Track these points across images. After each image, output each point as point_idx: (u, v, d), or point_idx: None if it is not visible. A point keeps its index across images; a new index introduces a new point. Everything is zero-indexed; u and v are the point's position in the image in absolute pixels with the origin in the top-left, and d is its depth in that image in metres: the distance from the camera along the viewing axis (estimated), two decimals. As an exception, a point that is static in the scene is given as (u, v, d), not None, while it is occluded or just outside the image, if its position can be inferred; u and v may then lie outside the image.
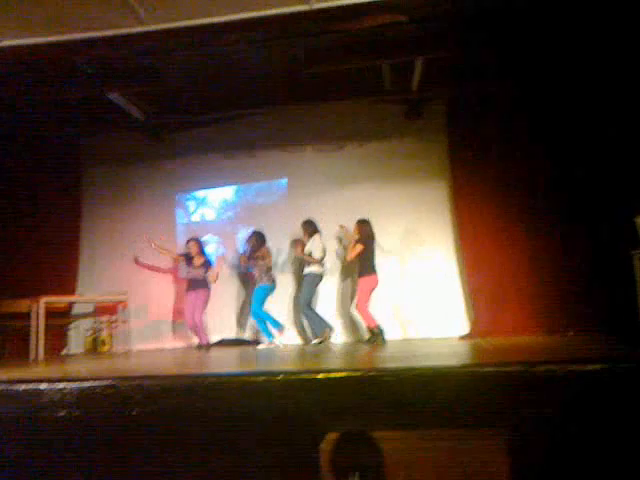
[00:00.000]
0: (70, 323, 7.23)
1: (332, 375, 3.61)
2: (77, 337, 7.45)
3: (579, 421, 3.04)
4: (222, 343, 7.20)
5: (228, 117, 7.30)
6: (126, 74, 5.82)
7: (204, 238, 7.35)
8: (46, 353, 6.43)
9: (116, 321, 7.20)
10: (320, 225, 7.07)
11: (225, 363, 5.62)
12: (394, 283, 6.92)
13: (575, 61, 5.59)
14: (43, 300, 6.35)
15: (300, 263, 7.04)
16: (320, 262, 6.75)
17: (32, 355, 6.42)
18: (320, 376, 3.60)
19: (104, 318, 7.40)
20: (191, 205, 7.80)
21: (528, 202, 6.37)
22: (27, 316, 6.45)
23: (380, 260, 6.69)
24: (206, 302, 6.89)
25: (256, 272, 6.83)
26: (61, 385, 3.88)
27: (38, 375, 4.98)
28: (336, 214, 7.13)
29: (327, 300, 7.13)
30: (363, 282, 6.42)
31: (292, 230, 7.38)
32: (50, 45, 4.43)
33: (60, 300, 6.88)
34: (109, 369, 5.35)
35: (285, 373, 3.80)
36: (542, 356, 4.34)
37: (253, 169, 7.58)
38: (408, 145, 7.20)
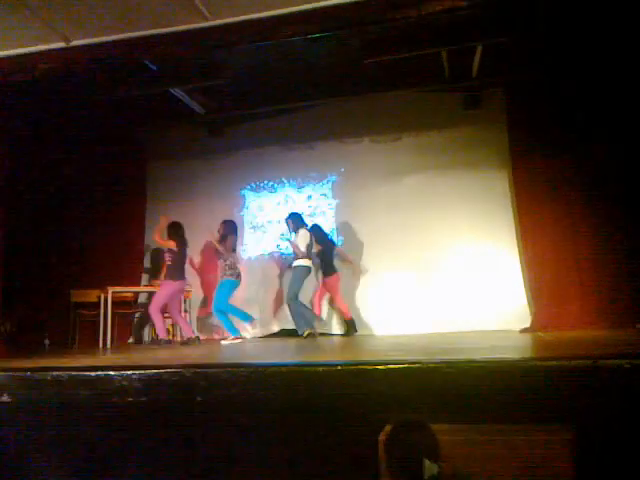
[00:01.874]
0: (136, 312, 7.49)
1: (391, 366, 3.62)
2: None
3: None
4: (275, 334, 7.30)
5: (287, 110, 7.36)
6: (188, 70, 5.96)
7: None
8: (113, 341, 6.71)
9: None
10: (374, 217, 7.08)
11: (282, 353, 5.73)
12: (453, 275, 6.84)
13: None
14: (111, 290, 6.62)
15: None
16: (307, 256, 6.76)
17: (101, 343, 6.71)
18: (380, 367, 3.62)
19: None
20: (250, 198, 7.90)
21: (592, 193, 6.15)
22: (96, 306, 6.74)
23: (440, 252, 6.66)
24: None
25: (220, 264, 6.79)
26: (129, 372, 4.05)
27: (108, 362, 5.22)
28: (391, 206, 7.12)
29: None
30: (330, 281, 6.87)
31: (345, 223, 7.40)
32: (117, 43, 4.59)
33: (127, 290, 7.14)
34: (174, 357, 5.54)
35: (344, 364, 3.83)
36: (607, 350, 4.20)
37: (310, 161, 7.63)
38: (466, 135, 7.08)
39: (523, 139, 6.60)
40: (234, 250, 6.77)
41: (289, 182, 7.79)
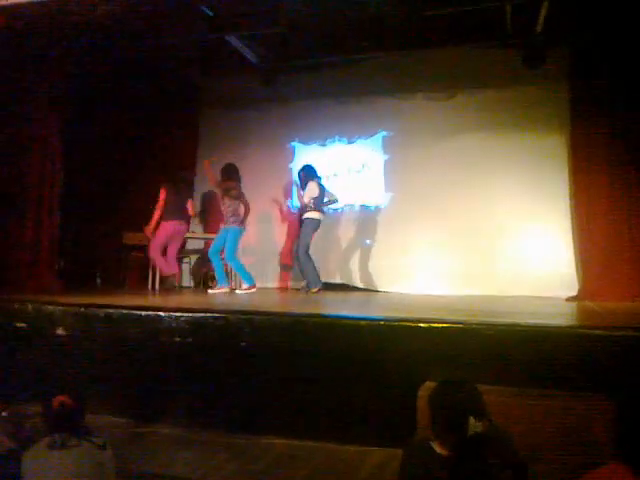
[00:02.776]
0: (183, 257, 7.67)
1: (434, 325, 3.65)
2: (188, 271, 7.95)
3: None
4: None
5: (341, 62, 7.25)
6: (243, 16, 5.90)
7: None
8: (161, 284, 6.91)
9: (224, 259, 7.57)
10: (423, 175, 7.00)
11: (328, 305, 5.83)
12: (501, 237, 6.75)
13: None
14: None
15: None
16: (316, 208, 6.72)
17: (149, 285, 6.93)
18: (422, 325, 3.65)
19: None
20: (300, 151, 7.88)
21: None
22: (145, 249, 6.93)
23: (488, 213, 6.61)
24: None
25: (223, 211, 6.67)
26: (178, 314, 4.21)
27: (157, 304, 5.41)
28: (442, 164, 7.00)
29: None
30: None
31: (394, 180, 7.35)
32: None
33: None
34: (219, 303, 5.70)
35: (387, 320, 3.88)
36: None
37: (361, 116, 7.50)
38: (525, 94, 6.80)
39: (585, 101, 6.33)
40: (236, 197, 6.59)
41: (339, 136, 7.70)
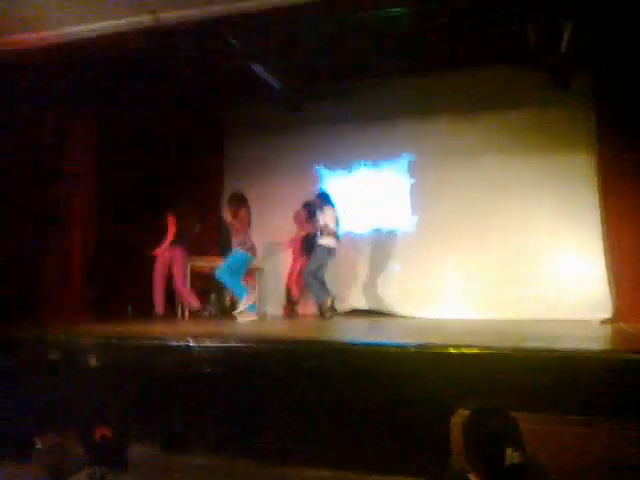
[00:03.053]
0: (212, 285, 7.70)
1: (465, 351, 3.59)
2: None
3: None
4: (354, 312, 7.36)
5: (364, 86, 7.31)
6: (269, 46, 6.01)
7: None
8: (190, 311, 6.96)
9: (252, 286, 7.60)
10: (450, 199, 6.98)
11: (356, 332, 5.78)
12: (531, 260, 6.65)
13: None
14: (189, 262, 6.86)
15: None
16: (333, 235, 6.67)
17: (179, 313, 6.97)
18: (452, 350, 3.59)
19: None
20: (326, 176, 7.93)
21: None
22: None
23: (517, 235, 6.58)
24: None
25: (233, 241, 6.63)
26: (208, 343, 4.21)
27: (187, 333, 5.42)
28: (468, 187, 6.97)
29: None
30: None
31: (422, 204, 7.33)
32: (203, 20, 4.70)
33: (203, 263, 7.35)
34: (248, 331, 5.70)
35: (417, 346, 3.83)
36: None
37: (386, 140, 7.53)
38: (550, 116, 6.78)
39: (611, 122, 6.29)
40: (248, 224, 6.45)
41: (364, 160, 7.73)
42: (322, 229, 6.71)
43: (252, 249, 6.43)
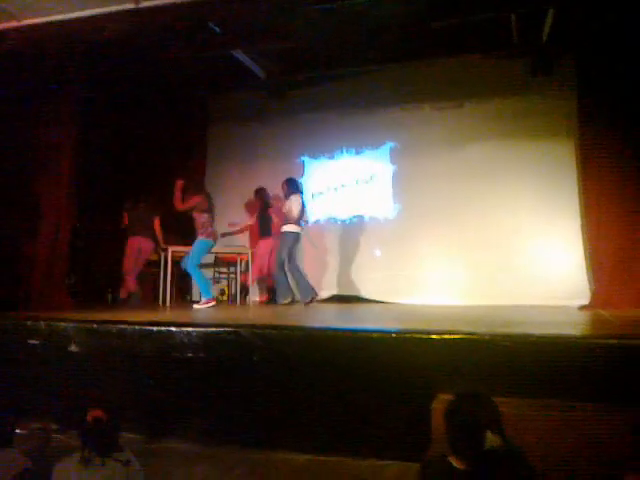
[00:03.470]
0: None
1: (447, 336, 3.63)
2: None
3: None
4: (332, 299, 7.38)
5: (348, 74, 7.30)
6: (251, 33, 5.95)
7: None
8: (172, 299, 6.94)
9: (234, 273, 7.60)
10: (432, 186, 7.01)
11: (339, 318, 5.82)
12: (511, 246, 6.73)
13: None
14: (171, 249, 6.82)
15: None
16: (296, 222, 6.73)
17: (161, 300, 6.95)
18: (434, 336, 3.63)
19: (223, 269, 7.84)
20: (309, 164, 7.91)
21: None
22: (157, 264, 6.97)
23: (498, 222, 6.62)
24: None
25: (195, 222, 6.48)
26: (189, 329, 4.20)
27: (168, 319, 5.42)
28: (450, 174, 7.01)
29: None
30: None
31: (404, 191, 7.36)
32: (183, 5, 4.64)
33: (185, 250, 7.30)
34: (231, 317, 5.70)
35: (399, 332, 3.87)
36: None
37: (369, 127, 7.54)
38: (533, 103, 6.81)
39: (592, 109, 6.31)
40: (204, 211, 6.44)
41: (347, 148, 7.74)
42: (286, 216, 6.74)
43: (213, 234, 6.49)
